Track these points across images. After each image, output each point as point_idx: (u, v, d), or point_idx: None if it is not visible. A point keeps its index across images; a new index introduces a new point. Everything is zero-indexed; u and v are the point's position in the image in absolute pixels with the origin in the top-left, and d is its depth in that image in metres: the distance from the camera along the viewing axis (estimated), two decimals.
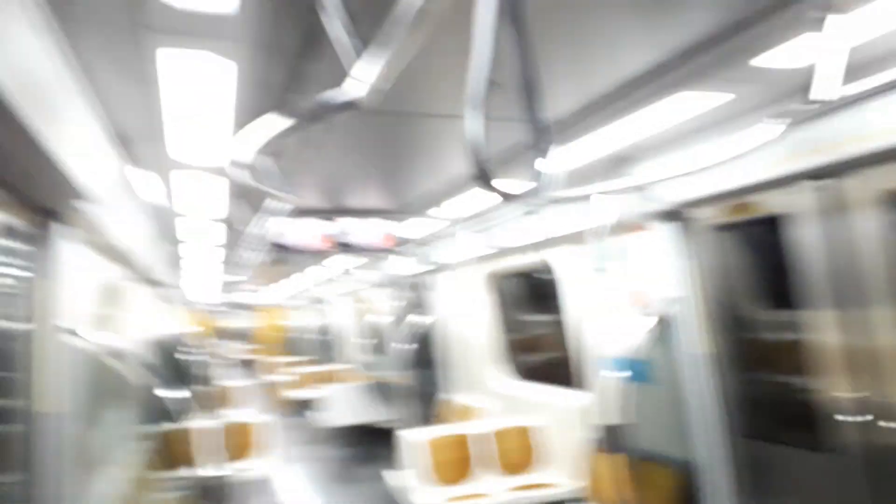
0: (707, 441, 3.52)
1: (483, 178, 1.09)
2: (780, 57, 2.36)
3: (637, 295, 4.00)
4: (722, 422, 3.54)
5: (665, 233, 3.71)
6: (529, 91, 1.08)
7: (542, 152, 3.40)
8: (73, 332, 2.83)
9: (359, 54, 1.41)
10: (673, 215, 3.66)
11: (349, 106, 1.51)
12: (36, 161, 2.08)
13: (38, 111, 1.80)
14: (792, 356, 3.30)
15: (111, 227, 3.46)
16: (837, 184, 2.80)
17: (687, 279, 3.65)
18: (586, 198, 3.33)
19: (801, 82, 2.03)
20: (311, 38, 2.19)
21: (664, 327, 3.73)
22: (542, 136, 3.18)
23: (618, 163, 3.61)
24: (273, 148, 3.22)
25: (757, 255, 3.50)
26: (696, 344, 3.59)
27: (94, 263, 3.65)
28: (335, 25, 1.46)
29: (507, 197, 1.18)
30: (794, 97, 2.10)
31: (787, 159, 2.75)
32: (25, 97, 1.67)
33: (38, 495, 2.64)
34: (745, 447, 3.44)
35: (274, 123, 1.80)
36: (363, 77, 1.38)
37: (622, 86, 2.62)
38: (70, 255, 3.06)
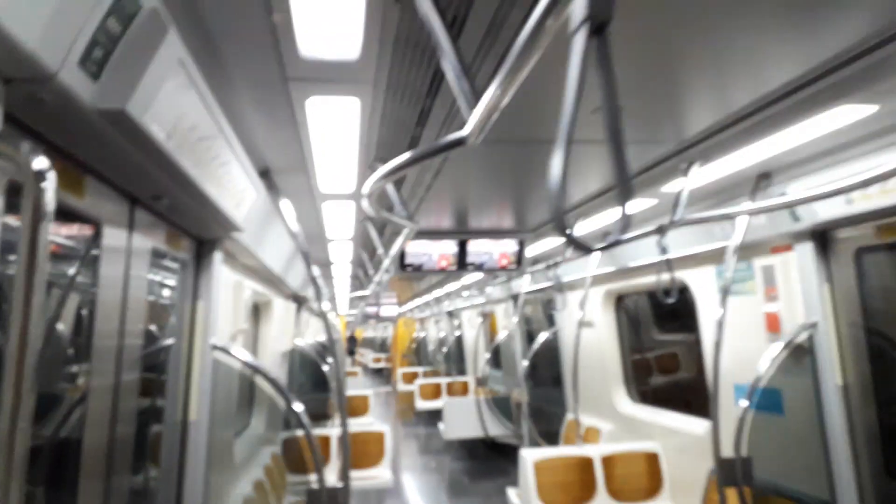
0: (846, 478, 3.26)
1: (558, 224, 1.07)
2: None
3: (772, 319, 3.79)
4: (863, 458, 3.27)
5: (806, 254, 3.50)
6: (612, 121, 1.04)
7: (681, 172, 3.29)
8: (223, 349, 3.14)
9: (467, 96, 1.50)
10: (815, 235, 3.45)
11: (460, 142, 1.61)
12: (195, 200, 2.36)
13: (196, 159, 2.06)
14: None
15: (258, 252, 3.79)
16: None
17: (826, 305, 3.42)
18: (724, 217, 3.20)
19: None
20: (434, 79, 2.32)
21: (801, 355, 3.51)
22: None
23: (759, 181, 3.45)
24: (399, 177, 3.42)
25: None
26: (835, 373, 3.35)
27: (243, 285, 4.01)
28: (449, 69, 1.56)
29: (577, 245, 1.12)
30: None
31: None
32: (185, 148, 1.92)
33: (185, 493, 2.95)
34: (889, 487, 3.16)
35: (400, 157, 1.93)
36: (471, 117, 1.47)
37: (764, 100, 2.51)
38: (223, 279, 3.41)
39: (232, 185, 2.64)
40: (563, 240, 5.47)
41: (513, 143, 3.03)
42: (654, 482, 5.34)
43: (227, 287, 3.64)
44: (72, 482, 1.93)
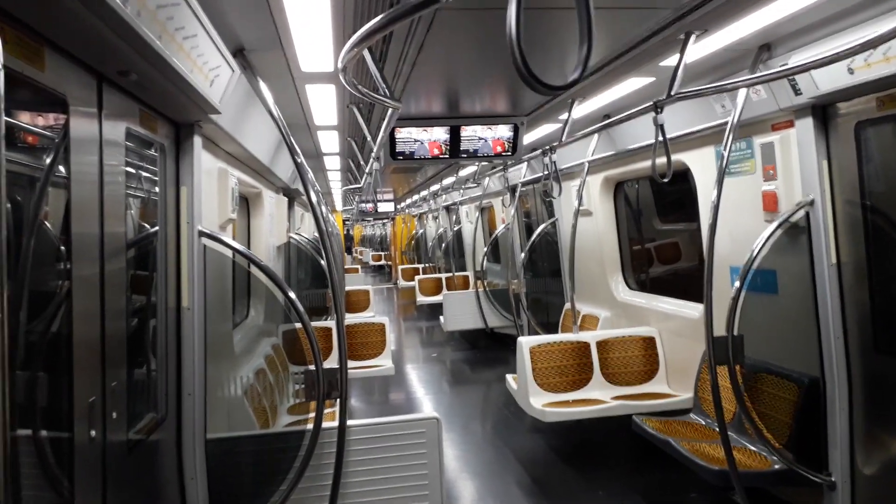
0: (836, 355, 3.29)
1: (525, 76, 0.99)
2: None
3: (770, 198, 3.70)
4: (852, 335, 3.28)
5: (806, 129, 3.36)
6: None
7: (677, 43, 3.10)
8: (211, 236, 3.08)
9: None
10: (816, 110, 3.30)
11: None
12: (163, 76, 2.23)
13: (160, 29, 1.92)
14: None
15: (240, 138, 3.66)
16: None
17: (824, 182, 3.32)
18: (723, 89, 3.04)
19: None
20: None
21: (796, 234, 3.45)
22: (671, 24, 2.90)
23: (759, 53, 3.26)
24: (382, 51, 3.22)
25: None
26: (830, 252, 3.30)
27: (228, 172, 3.90)
28: None
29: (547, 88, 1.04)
30: None
31: None
32: (145, 16, 1.78)
33: (184, 379, 2.98)
34: (877, 362, 3.18)
35: (369, 25, 1.77)
36: None
37: None
38: (205, 165, 3.30)
39: (202, 61, 2.48)
40: (558, 126, 5.29)
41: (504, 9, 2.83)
42: (650, 365, 5.44)
43: (210, 175, 3.53)
44: (67, 374, 1.91)
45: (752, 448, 3.79)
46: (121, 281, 2.35)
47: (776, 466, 3.51)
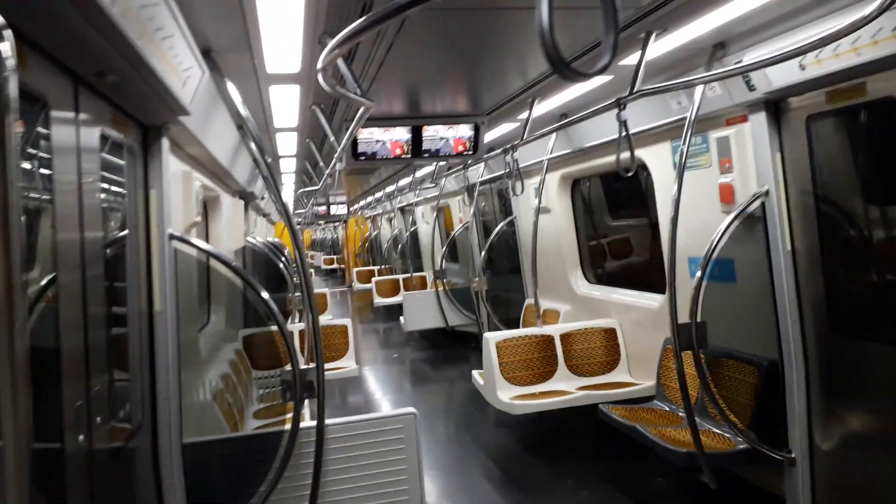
0: (793, 338, 3.46)
1: (558, 64, 1.04)
2: None
3: (727, 190, 3.86)
4: (808, 318, 3.46)
5: (760, 123, 3.53)
6: None
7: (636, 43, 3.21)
8: (181, 239, 3.03)
9: None
10: (769, 105, 3.46)
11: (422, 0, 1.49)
12: (141, 77, 2.20)
13: (141, 29, 1.90)
14: (890, 252, 3.15)
15: (205, 141, 3.61)
16: None
17: (778, 173, 3.49)
18: (682, 86, 3.16)
19: None
20: None
21: (753, 223, 3.61)
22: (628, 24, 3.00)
23: (715, 51, 3.40)
24: (351, 52, 3.24)
25: (858, 146, 3.27)
26: (785, 239, 3.47)
27: (192, 176, 3.84)
28: None
29: (566, 72, 1.10)
30: None
31: None
32: (129, 16, 1.76)
33: (158, 385, 2.93)
34: (832, 343, 3.36)
35: (352, 25, 1.80)
36: None
37: None
38: (175, 167, 3.25)
39: (177, 62, 2.46)
40: (517, 125, 5.39)
41: (473, 12, 2.89)
42: (612, 356, 5.59)
43: (175, 178, 3.48)
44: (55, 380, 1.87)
45: (716, 430, 3.95)
46: (99, 286, 2.31)
47: (740, 446, 3.67)
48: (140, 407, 2.81)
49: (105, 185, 2.51)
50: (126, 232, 2.78)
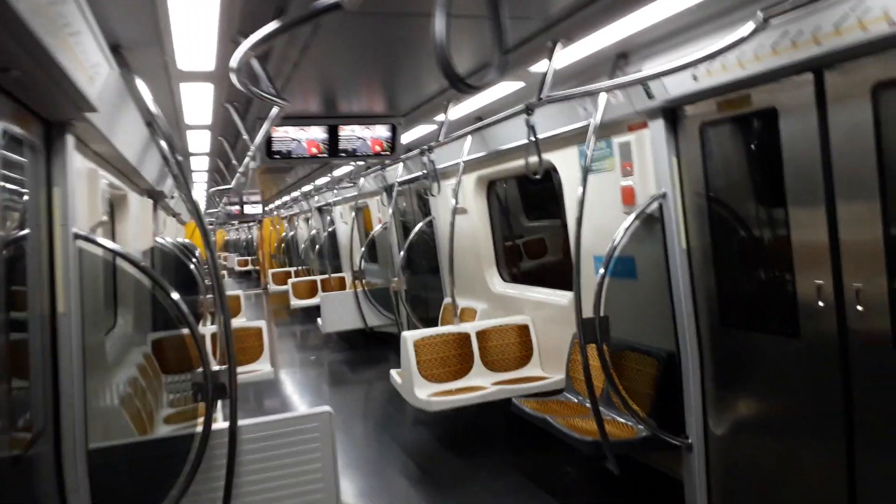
0: (688, 330, 3.70)
1: (452, 78, 1.11)
2: None
3: (628, 192, 4.09)
4: (702, 312, 3.70)
5: (658, 130, 3.75)
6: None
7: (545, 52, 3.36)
8: (87, 238, 2.94)
9: None
10: (666, 112, 3.68)
11: (336, 7, 1.54)
12: (47, 74, 2.13)
13: (49, 25, 1.85)
14: (773, 250, 3.42)
15: (112, 138, 3.50)
16: (833, 75, 2.77)
17: (674, 176, 3.72)
18: (587, 93, 3.32)
19: None
20: None
21: (651, 224, 3.84)
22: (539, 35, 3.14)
23: (617, 60, 3.59)
24: (265, 51, 3.23)
25: (745, 152, 3.54)
26: (681, 239, 3.70)
27: (98, 174, 3.71)
28: None
29: (459, 86, 1.17)
30: None
31: (782, 50, 2.72)
32: (37, 12, 1.71)
33: (62, 391, 2.83)
34: (723, 335, 3.62)
35: (267, 27, 1.83)
36: None
37: None
38: (80, 164, 3.13)
39: (84, 58, 2.39)
40: (434, 127, 5.48)
41: (388, 16, 2.94)
42: (525, 351, 5.78)
43: (79, 176, 3.36)
44: None
45: (621, 419, 4.17)
46: None
47: (642, 434, 3.90)
48: (41, 412, 2.71)
49: (2, 184, 2.41)
50: (27, 231, 2.67)
